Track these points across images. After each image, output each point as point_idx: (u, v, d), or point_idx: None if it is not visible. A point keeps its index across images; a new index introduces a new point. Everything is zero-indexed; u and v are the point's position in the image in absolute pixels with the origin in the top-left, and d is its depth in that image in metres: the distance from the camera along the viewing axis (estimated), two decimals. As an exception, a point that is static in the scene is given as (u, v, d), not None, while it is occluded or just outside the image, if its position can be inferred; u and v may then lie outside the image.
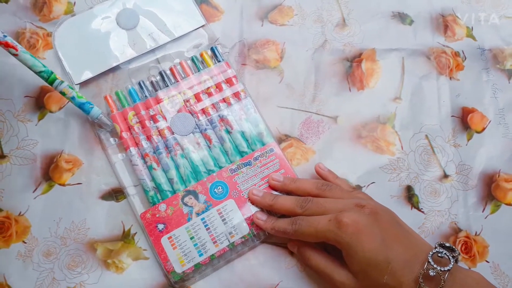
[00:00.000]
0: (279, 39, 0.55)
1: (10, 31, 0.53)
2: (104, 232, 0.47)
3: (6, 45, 0.44)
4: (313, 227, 0.42)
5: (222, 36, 0.55)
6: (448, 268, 0.38)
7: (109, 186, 0.49)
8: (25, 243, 0.47)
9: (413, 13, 0.57)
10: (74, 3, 0.55)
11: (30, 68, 0.46)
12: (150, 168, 0.48)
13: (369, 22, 0.56)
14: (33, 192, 0.48)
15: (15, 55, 0.45)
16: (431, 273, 0.37)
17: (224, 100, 0.51)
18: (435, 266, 0.38)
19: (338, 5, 0.57)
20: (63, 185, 0.49)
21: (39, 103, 0.51)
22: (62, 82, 0.47)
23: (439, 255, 0.39)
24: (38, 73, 0.46)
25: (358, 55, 0.55)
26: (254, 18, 0.56)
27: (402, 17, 0.57)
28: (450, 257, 0.38)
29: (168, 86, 0.51)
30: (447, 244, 0.40)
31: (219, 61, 0.52)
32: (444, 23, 0.57)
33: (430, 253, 0.39)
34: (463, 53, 0.55)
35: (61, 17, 0.54)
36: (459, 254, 0.40)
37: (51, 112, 0.51)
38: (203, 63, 0.52)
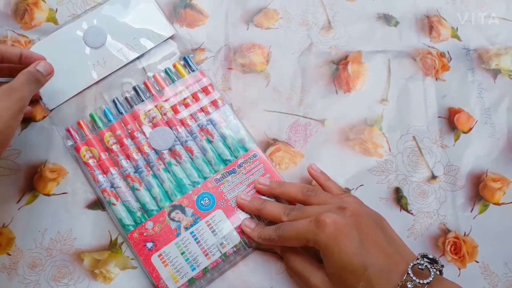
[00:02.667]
0: (265, 42, 0.55)
1: (-9, 39, 0.52)
2: (91, 241, 0.47)
3: None
4: (294, 229, 0.41)
5: (207, 40, 0.54)
6: (427, 281, 0.36)
7: (95, 195, 0.48)
8: (10, 255, 0.46)
9: (398, 15, 0.57)
10: (56, 9, 0.54)
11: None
12: (133, 189, 0.47)
13: (354, 24, 0.56)
14: (17, 202, 0.47)
15: None
16: (409, 285, 0.36)
17: (202, 109, 0.50)
18: (414, 278, 0.36)
19: (323, 7, 0.57)
20: (48, 195, 0.48)
21: (22, 112, 0.50)
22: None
23: (420, 267, 0.38)
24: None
25: (344, 58, 0.55)
26: (239, 22, 0.55)
27: (387, 19, 0.57)
28: (431, 270, 0.37)
29: (143, 100, 0.50)
30: (430, 256, 0.39)
31: (193, 71, 0.51)
32: (429, 24, 0.57)
33: (411, 264, 0.37)
34: (449, 53, 0.56)
35: (42, 24, 0.53)
36: (442, 266, 0.39)
37: (34, 121, 0.50)
38: (177, 74, 0.52)
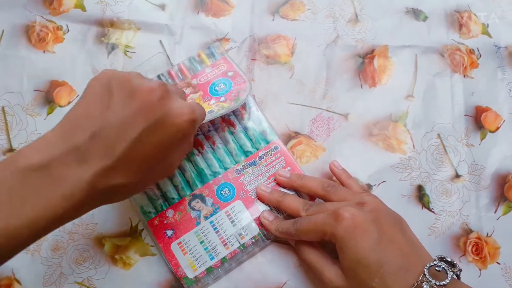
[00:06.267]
0: (290, 34, 0.54)
1: (20, 25, 0.53)
2: (112, 227, 0.47)
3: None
4: (312, 223, 0.41)
5: (232, 31, 0.54)
6: (443, 283, 0.36)
7: (117, 181, 0.48)
8: (34, 237, 0.47)
9: (427, 9, 0.56)
10: (84, -4, 0.54)
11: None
12: None
13: (382, 18, 0.55)
14: (42, 186, 0.48)
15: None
16: (425, 286, 0.36)
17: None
18: (430, 279, 0.36)
19: (350, 0, 0.56)
20: (72, 179, 0.48)
21: (49, 97, 0.51)
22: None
23: (437, 268, 0.37)
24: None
25: (370, 52, 0.54)
26: (265, 13, 0.55)
27: (416, 13, 0.55)
28: (448, 272, 0.37)
29: None
30: (448, 259, 0.38)
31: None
32: (459, 20, 0.55)
33: (427, 265, 0.37)
34: (478, 50, 0.54)
35: (70, 10, 0.53)
36: (460, 270, 0.38)
37: (60, 106, 0.51)
38: (201, 63, 0.51)
